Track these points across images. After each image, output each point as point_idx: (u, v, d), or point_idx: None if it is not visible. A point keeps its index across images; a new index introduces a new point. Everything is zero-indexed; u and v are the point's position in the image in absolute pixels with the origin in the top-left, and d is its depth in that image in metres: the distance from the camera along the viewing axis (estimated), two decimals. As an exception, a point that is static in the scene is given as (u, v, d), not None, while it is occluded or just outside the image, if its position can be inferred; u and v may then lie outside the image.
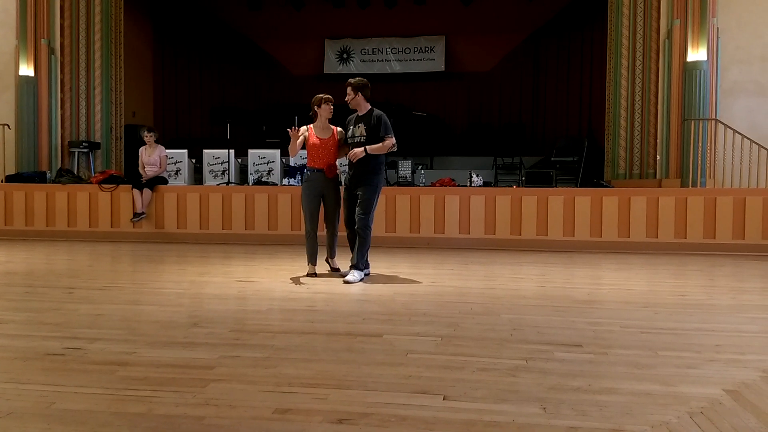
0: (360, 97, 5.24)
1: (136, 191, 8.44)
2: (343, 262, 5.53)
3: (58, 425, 2.08)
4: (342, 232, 5.48)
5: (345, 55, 14.89)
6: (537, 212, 7.85)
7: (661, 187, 8.79)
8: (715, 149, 8.85)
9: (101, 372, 2.64)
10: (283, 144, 8.72)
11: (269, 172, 9.22)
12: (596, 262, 6.76)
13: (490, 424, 2.11)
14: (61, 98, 10.45)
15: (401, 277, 5.45)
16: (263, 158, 9.29)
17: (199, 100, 14.33)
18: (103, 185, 8.67)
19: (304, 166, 5.94)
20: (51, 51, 10.29)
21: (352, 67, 14.72)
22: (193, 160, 9.88)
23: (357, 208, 5.18)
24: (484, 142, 12.84)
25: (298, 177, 8.80)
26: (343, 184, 5.48)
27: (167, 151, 8.95)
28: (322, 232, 5.47)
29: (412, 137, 10.58)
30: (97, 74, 10.69)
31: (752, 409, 2.26)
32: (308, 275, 5.34)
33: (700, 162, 8.77)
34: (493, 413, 2.20)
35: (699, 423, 2.12)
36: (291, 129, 5.28)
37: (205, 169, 9.48)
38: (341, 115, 5.50)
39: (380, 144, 5.14)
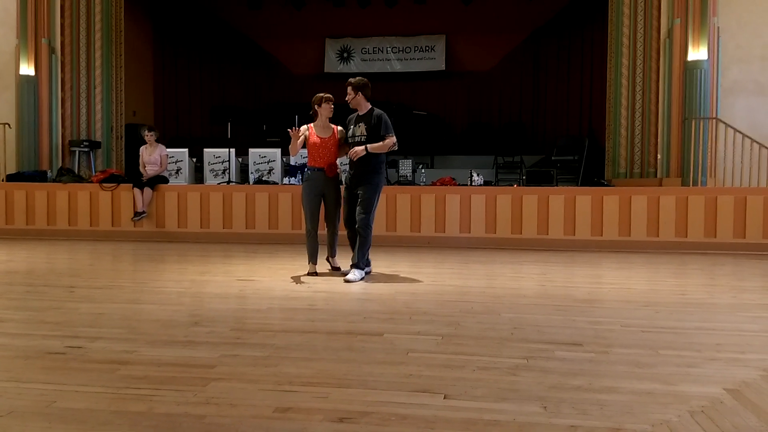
0: (360, 96, 5.23)
1: (136, 190, 8.44)
2: (343, 261, 5.53)
3: (58, 424, 2.08)
4: (342, 231, 5.48)
5: (345, 55, 14.89)
6: (538, 211, 7.85)
7: (661, 186, 8.79)
8: (715, 148, 8.84)
9: (102, 371, 2.65)
10: (283, 143, 8.72)
11: (270, 171, 9.22)
12: (597, 261, 6.76)
13: (490, 422, 2.11)
14: (61, 97, 10.45)
15: (402, 276, 5.45)
16: (264, 157, 9.29)
17: (199, 99, 14.33)
18: (103, 184, 8.67)
19: (304, 165, 5.94)
20: (51, 50, 10.29)
21: (353, 66, 14.71)
22: (194, 159, 9.88)
23: (358, 207, 5.18)
24: (485, 141, 12.83)
25: (299, 176, 8.80)
26: (343, 183, 5.48)
27: (168, 150, 8.96)
28: (322, 231, 5.47)
29: (412, 136, 10.57)
30: (97, 73, 10.68)
31: (753, 408, 2.26)
32: (309, 274, 5.34)
33: (700, 161, 8.77)
34: (494, 412, 2.20)
35: (700, 422, 2.12)
36: (291, 129, 5.28)
37: (206, 168, 9.48)
38: (342, 114, 5.50)
39: (381, 143, 5.14)
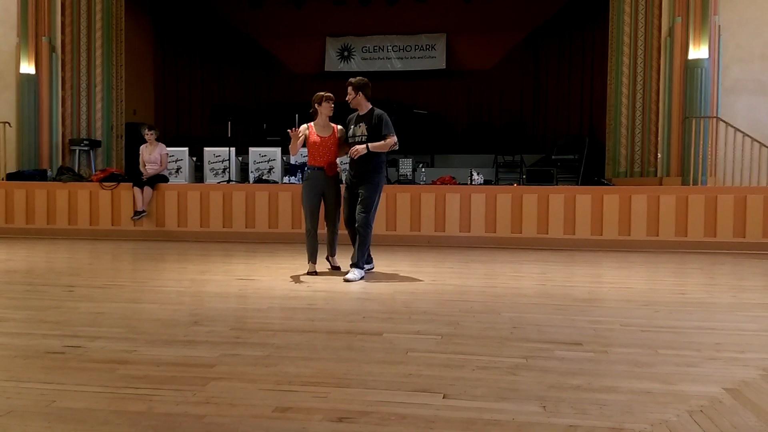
0: (361, 96, 5.23)
1: (136, 189, 8.44)
2: (343, 260, 5.53)
3: (58, 423, 2.08)
4: (343, 231, 5.49)
5: (346, 53, 14.88)
6: (538, 210, 7.85)
7: (661, 185, 8.78)
8: (716, 147, 8.84)
9: (101, 370, 2.65)
10: (283, 142, 8.72)
11: (270, 170, 9.22)
12: (597, 260, 6.76)
13: (490, 422, 2.11)
14: (62, 96, 10.45)
15: (401, 275, 5.45)
16: (264, 156, 9.29)
17: (199, 98, 14.32)
18: (103, 183, 8.68)
19: (304, 164, 5.94)
20: (52, 49, 10.29)
21: (353, 65, 14.70)
22: (194, 158, 9.88)
23: (358, 206, 5.17)
24: (485, 140, 12.82)
25: (299, 175, 8.80)
26: (343, 182, 5.48)
27: (168, 149, 8.95)
28: (322, 230, 5.47)
29: (412, 135, 10.57)
30: (98, 72, 10.68)
31: (752, 408, 2.26)
32: (308, 273, 5.34)
33: (701, 160, 8.76)
34: (493, 411, 2.20)
35: (699, 421, 2.12)
36: (291, 130, 5.28)
37: (206, 167, 9.47)
38: (342, 113, 5.50)
39: (382, 142, 5.14)
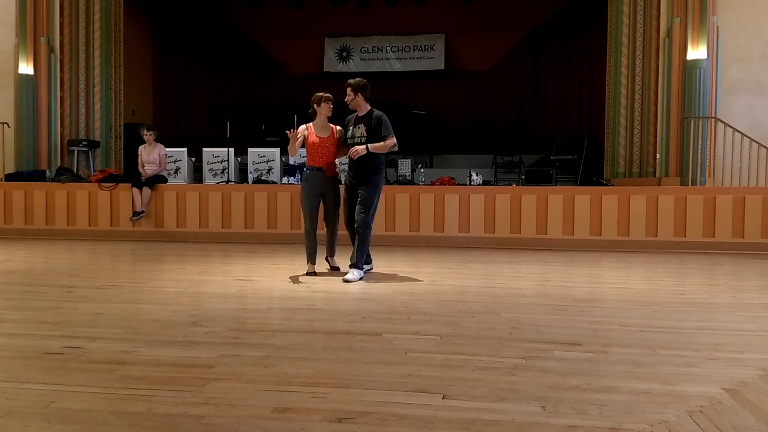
0: (360, 97, 5.23)
1: (135, 190, 8.43)
2: (343, 260, 5.53)
3: (57, 424, 2.08)
4: (342, 231, 5.49)
5: (345, 54, 14.88)
6: (537, 211, 7.85)
7: (660, 185, 8.79)
8: (714, 148, 8.85)
9: (100, 371, 2.64)
10: (282, 143, 8.72)
11: (269, 170, 9.21)
12: (596, 260, 6.77)
13: (489, 422, 2.11)
14: (60, 97, 10.44)
15: (401, 275, 5.45)
16: (263, 157, 9.28)
17: (198, 99, 14.32)
18: (102, 184, 8.67)
19: (303, 164, 5.94)
20: (50, 49, 10.28)
21: (352, 65, 14.70)
22: (193, 159, 9.87)
23: (357, 206, 5.18)
24: (484, 140, 12.82)
25: (298, 175, 8.79)
26: (342, 183, 5.48)
27: (167, 149, 8.95)
28: (321, 230, 5.47)
29: (411, 136, 10.58)
30: (96, 72, 10.67)
31: (751, 408, 2.26)
32: (308, 274, 5.34)
33: (699, 160, 8.77)
34: (493, 412, 2.20)
35: (698, 422, 2.12)
36: (289, 131, 5.27)
37: (205, 167, 9.47)
38: (341, 113, 5.50)
39: (382, 143, 5.15)
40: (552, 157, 11.23)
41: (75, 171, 9.96)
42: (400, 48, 14.70)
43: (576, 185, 9.82)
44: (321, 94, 5.40)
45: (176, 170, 9.38)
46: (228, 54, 14.74)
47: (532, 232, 7.85)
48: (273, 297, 4.44)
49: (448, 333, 3.35)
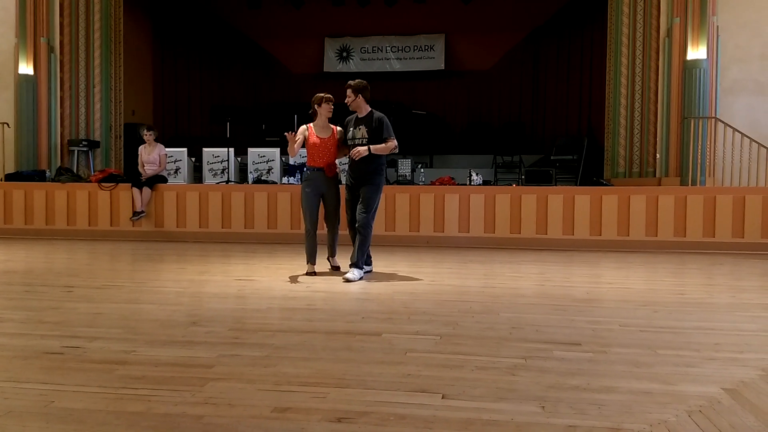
0: (360, 99, 5.24)
1: (135, 190, 8.43)
2: (343, 260, 5.53)
3: (56, 424, 2.08)
4: (343, 231, 5.50)
5: (345, 54, 14.88)
6: (536, 211, 7.85)
7: (660, 185, 8.79)
8: (714, 148, 8.85)
9: (100, 371, 2.64)
10: (282, 143, 8.72)
11: (269, 170, 9.21)
12: (595, 260, 6.77)
13: (488, 422, 2.11)
14: (60, 97, 10.44)
15: (401, 275, 5.45)
16: (263, 157, 9.28)
17: (198, 99, 14.32)
18: (102, 184, 8.67)
19: (303, 164, 5.94)
20: (50, 49, 10.28)
21: (352, 65, 14.70)
22: (193, 159, 9.87)
23: (359, 206, 5.21)
24: (484, 140, 12.82)
25: (298, 175, 8.79)
26: (343, 183, 5.48)
27: (167, 149, 8.95)
28: (321, 231, 5.48)
29: (411, 136, 10.58)
30: (96, 72, 10.67)
31: (751, 408, 2.26)
32: (307, 274, 5.34)
33: (699, 160, 8.77)
34: (492, 412, 2.20)
35: (698, 422, 2.12)
36: (288, 133, 5.28)
37: (205, 167, 9.47)
38: (341, 114, 5.50)
39: (383, 145, 5.17)
40: (552, 157, 11.23)
41: (75, 171, 9.96)
42: (400, 48, 14.70)
43: (576, 185, 9.82)
44: (321, 94, 5.40)
45: (176, 170, 9.38)
46: (228, 54, 14.74)
47: (532, 232, 7.85)
48: (273, 297, 4.44)
49: (447, 333, 3.35)
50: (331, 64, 14.90)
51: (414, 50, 14.66)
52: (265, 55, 15.09)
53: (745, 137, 8.58)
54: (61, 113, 10.44)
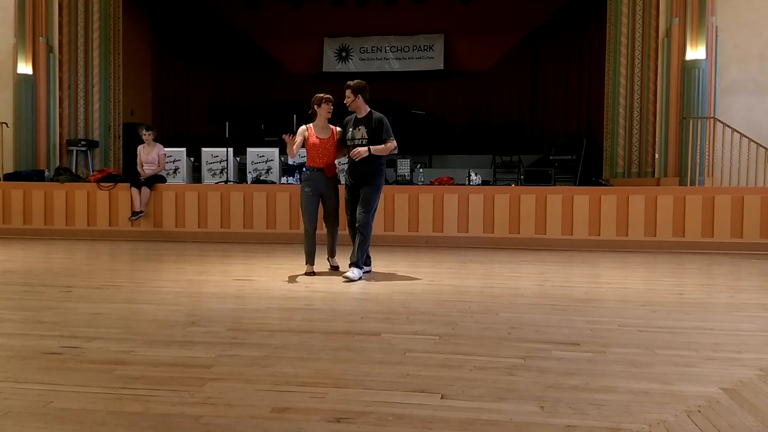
0: (360, 99, 5.25)
1: (134, 190, 8.42)
2: (342, 260, 5.53)
3: (55, 424, 2.07)
4: (342, 231, 5.50)
5: (344, 54, 14.88)
6: (535, 211, 7.85)
7: (659, 185, 8.79)
8: (713, 148, 8.85)
9: (99, 371, 2.64)
10: (281, 143, 8.71)
11: (268, 170, 9.21)
12: (594, 260, 6.77)
13: (487, 422, 2.11)
14: (59, 96, 10.42)
15: (400, 275, 5.45)
16: (262, 157, 9.28)
17: (197, 99, 14.31)
18: (101, 184, 8.66)
19: (302, 164, 5.94)
20: (49, 49, 10.27)
21: (351, 65, 14.70)
22: (192, 159, 9.87)
23: (359, 206, 5.22)
24: (483, 140, 12.82)
25: (297, 175, 8.79)
26: (342, 183, 5.49)
27: (165, 149, 8.94)
28: (321, 230, 5.48)
29: (410, 136, 10.57)
30: (95, 72, 10.66)
31: (750, 408, 2.26)
32: (307, 274, 5.34)
33: (698, 161, 8.77)
34: (491, 412, 2.20)
35: (696, 421, 2.12)
36: (286, 135, 5.28)
37: (204, 167, 9.47)
38: (340, 114, 5.50)
39: (383, 146, 5.18)
40: (551, 157, 11.23)
41: (74, 171, 9.95)
42: (399, 48, 14.70)
43: (575, 185, 9.82)
44: (321, 95, 5.40)
45: (175, 170, 9.38)
46: (227, 54, 14.73)
47: (531, 232, 7.85)
48: (272, 297, 4.44)
49: (446, 333, 3.35)
50: (331, 64, 14.90)
51: (413, 50, 14.66)
52: (264, 55, 15.08)
53: (743, 137, 8.58)
54: (59, 113, 10.43)
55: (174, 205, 8.48)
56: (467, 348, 3.05)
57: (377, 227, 7.39)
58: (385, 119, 5.26)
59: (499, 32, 14.01)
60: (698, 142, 8.77)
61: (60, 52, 10.40)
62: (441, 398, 2.33)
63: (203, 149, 9.53)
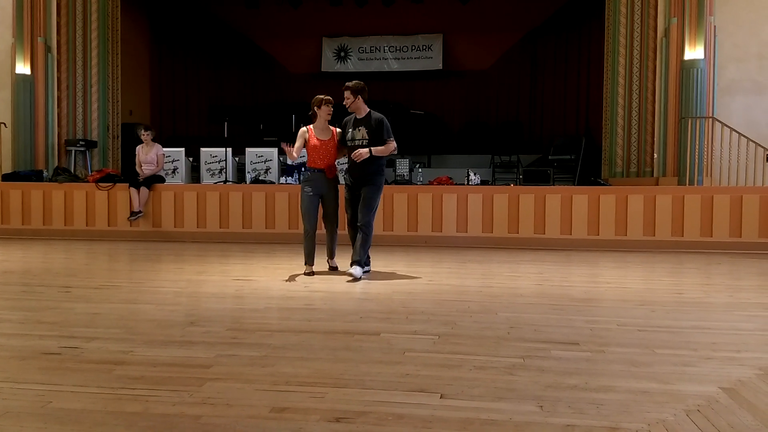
0: (360, 100, 5.26)
1: (133, 190, 8.42)
2: (342, 260, 5.54)
3: (54, 424, 2.07)
4: (342, 231, 5.50)
5: (342, 54, 14.87)
6: (534, 210, 7.85)
7: (658, 185, 8.80)
8: (712, 147, 8.86)
9: (98, 371, 2.64)
10: (280, 143, 8.71)
11: (267, 170, 9.21)
12: (593, 260, 6.77)
13: (487, 422, 2.11)
14: (57, 96, 10.41)
15: (399, 275, 5.45)
16: (261, 157, 9.27)
17: (196, 99, 14.30)
18: (100, 184, 8.65)
19: (301, 164, 5.94)
20: (48, 49, 10.25)
21: (350, 65, 14.69)
22: (191, 159, 9.86)
23: (360, 206, 5.24)
24: (482, 140, 12.83)
25: (296, 175, 8.79)
26: (341, 183, 5.49)
27: (164, 149, 8.93)
28: (320, 231, 5.48)
29: (409, 136, 10.57)
30: (93, 72, 10.65)
31: (748, 407, 2.26)
32: (306, 274, 5.34)
33: (697, 160, 8.78)
34: (491, 411, 2.20)
35: (696, 421, 2.12)
36: (284, 144, 5.29)
37: (203, 167, 9.46)
38: (340, 114, 5.50)
39: (384, 146, 5.20)
40: (550, 157, 11.23)
41: (72, 171, 9.94)
42: (397, 48, 14.69)
43: (574, 185, 9.83)
44: (321, 96, 5.40)
45: (174, 170, 9.37)
46: (226, 54, 14.72)
47: (530, 232, 7.85)
48: (271, 297, 4.44)
49: (446, 332, 3.35)
50: (329, 63, 14.89)
51: (412, 50, 14.65)
52: (263, 55, 15.07)
53: (742, 137, 8.59)
54: (58, 113, 10.42)
55: (173, 205, 8.48)
56: (466, 348, 3.05)
57: (376, 227, 7.36)
58: (385, 119, 5.27)
59: (498, 32, 14.01)
60: (697, 142, 8.78)
61: (58, 52, 10.39)
62: (440, 398, 2.33)
63: (202, 149, 9.52)
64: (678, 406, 2.26)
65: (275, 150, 9.32)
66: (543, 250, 7.50)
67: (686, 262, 6.63)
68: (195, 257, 6.70)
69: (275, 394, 2.37)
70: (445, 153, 12.76)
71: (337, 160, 5.54)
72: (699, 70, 8.87)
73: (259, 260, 6.47)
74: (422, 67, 14.58)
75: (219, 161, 9.36)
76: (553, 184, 9.39)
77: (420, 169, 9.47)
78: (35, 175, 9.36)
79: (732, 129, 8.64)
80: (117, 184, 8.65)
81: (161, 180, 8.76)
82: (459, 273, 5.78)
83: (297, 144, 5.29)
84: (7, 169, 9.90)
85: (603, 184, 8.46)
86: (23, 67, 10.11)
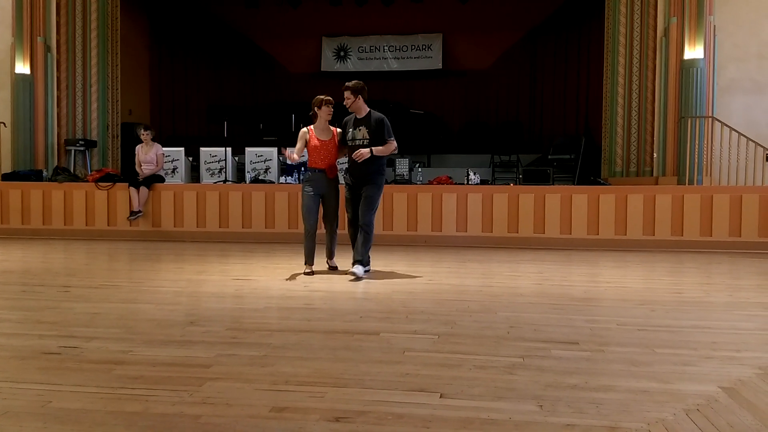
0: (360, 100, 5.26)
1: (132, 189, 8.41)
2: (341, 261, 5.53)
3: (54, 424, 2.07)
4: (341, 231, 5.50)
5: (342, 53, 14.87)
6: (534, 210, 7.86)
7: (657, 184, 8.80)
8: (711, 147, 8.86)
9: (97, 371, 2.64)
10: (280, 143, 8.72)
11: (266, 170, 9.21)
12: (593, 259, 6.77)
13: (486, 421, 2.11)
14: (57, 96, 10.41)
15: (399, 274, 5.45)
16: (260, 156, 9.27)
17: (195, 98, 14.29)
18: (99, 183, 8.65)
19: (301, 164, 5.94)
20: (47, 49, 10.25)
21: (350, 65, 14.69)
22: (190, 159, 9.86)
23: (361, 206, 5.24)
24: (482, 139, 12.82)
25: (296, 175, 8.79)
26: (342, 183, 5.50)
27: (164, 149, 8.93)
28: (320, 230, 5.48)
29: (409, 135, 10.57)
30: (93, 72, 10.64)
31: (748, 407, 2.26)
32: (306, 274, 5.34)
33: (696, 160, 8.78)
34: (490, 411, 2.20)
35: (695, 420, 2.12)
36: (283, 150, 5.30)
37: (202, 167, 9.46)
38: (339, 114, 5.50)
39: (384, 146, 5.21)
40: (549, 157, 11.23)
41: (72, 171, 9.94)
42: (397, 47, 14.69)
43: (573, 184, 9.82)
44: (321, 97, 5.40)
45: (173, 170, 9.37)
46: (225, 53, 14.71)
47: (530, 232, 7.85)
48: (271, 296, 4.44)
49: (445, 332, 3.35)
50: (329, 63, 14.88)
51: (411, 50, 14.65)
52: (263, 55, 15.07)
53: (742, 136, 8.59)
54: (57, 113, 10.42)
55: (172, 204, 8.47)
56: (466, 347, 3.05)
57: (376, 227, 7.36)
58: (386, 119, 5.27)
59: (498, 32, 14.01)
60: (696, 142, 8.78)
61: (58, 52, 10.38)
62: (440, 397, 2.33)
63: (201, 149, 9.52)
64: (678, 405, 2.26)
65: (275, 150, 9.32)
66: (543, 250, 7.50)
67: (686, 262, 6.64)
68: (195, 257, 6.69)
69: (275, 394, 2.37)
70: (444, 152, 12.75)
71: (337, 160, 5.54)
72: (699, 69, 8.87)
73: (258, 260, 6.47)
74: (422, 66, 14.58)
75: (219, 161, 9.36)
76: (553, 184, 9.39)
77: (420, 169, 9.47)
78: (35, 175, 9.36)
79: (732, 129, 8.64)
80: (116, 183, 8.65)
81: (161, 180, 8.76)
82: (459, 272, 5.78)
83: (298, 145, 5.30)
84: (6, 168, 9.90)
85: (603, 184, 8.46)
86: (23, 67, 10.10)
